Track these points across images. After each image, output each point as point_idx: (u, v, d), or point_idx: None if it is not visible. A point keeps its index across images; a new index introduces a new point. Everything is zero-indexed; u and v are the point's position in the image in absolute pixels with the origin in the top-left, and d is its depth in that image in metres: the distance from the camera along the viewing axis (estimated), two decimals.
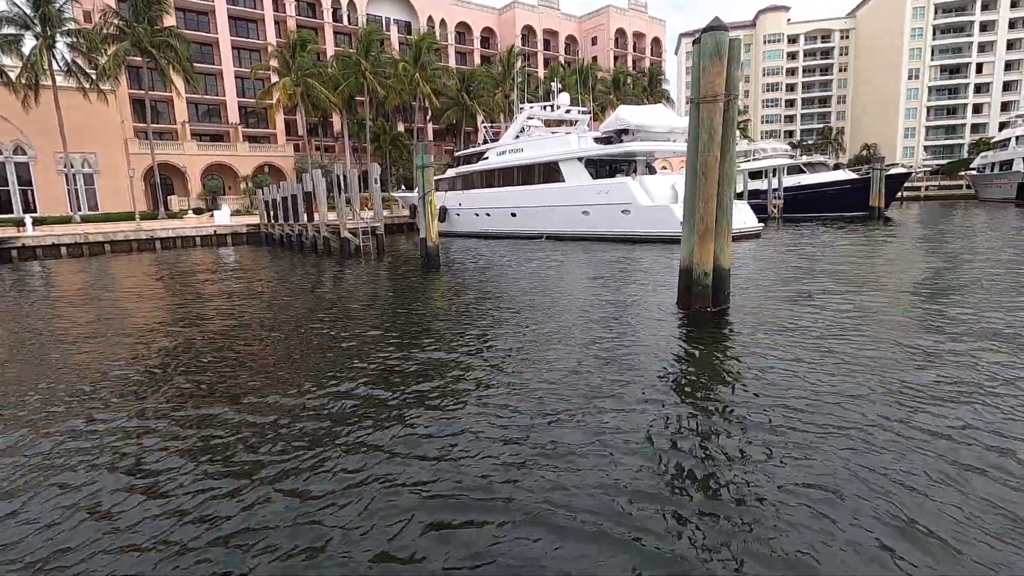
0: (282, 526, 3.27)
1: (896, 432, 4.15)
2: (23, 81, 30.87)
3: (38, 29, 30.84)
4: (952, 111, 78.80)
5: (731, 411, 4.72)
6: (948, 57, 77.56)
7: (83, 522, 3.44)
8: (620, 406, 4.84)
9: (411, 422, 4.72)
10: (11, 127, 35.37)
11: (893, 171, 33.63)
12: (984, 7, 75.18)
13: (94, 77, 33.30)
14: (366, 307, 10.77)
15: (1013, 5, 74.43)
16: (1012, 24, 75.01)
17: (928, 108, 78.86)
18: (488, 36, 71.03)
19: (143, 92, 38.85)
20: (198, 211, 40.04)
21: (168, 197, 42.15)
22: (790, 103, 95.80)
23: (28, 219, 29.43)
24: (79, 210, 35.60)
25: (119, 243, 29.57)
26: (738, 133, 48.47)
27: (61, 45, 32.16)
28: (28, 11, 30.36)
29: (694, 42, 7.62)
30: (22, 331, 9.60)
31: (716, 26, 7.35)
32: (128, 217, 34.74)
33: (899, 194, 44.52)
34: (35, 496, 3.76)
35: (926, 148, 78.74)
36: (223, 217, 34.32)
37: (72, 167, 35.63)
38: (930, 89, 78.48)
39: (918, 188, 61.63)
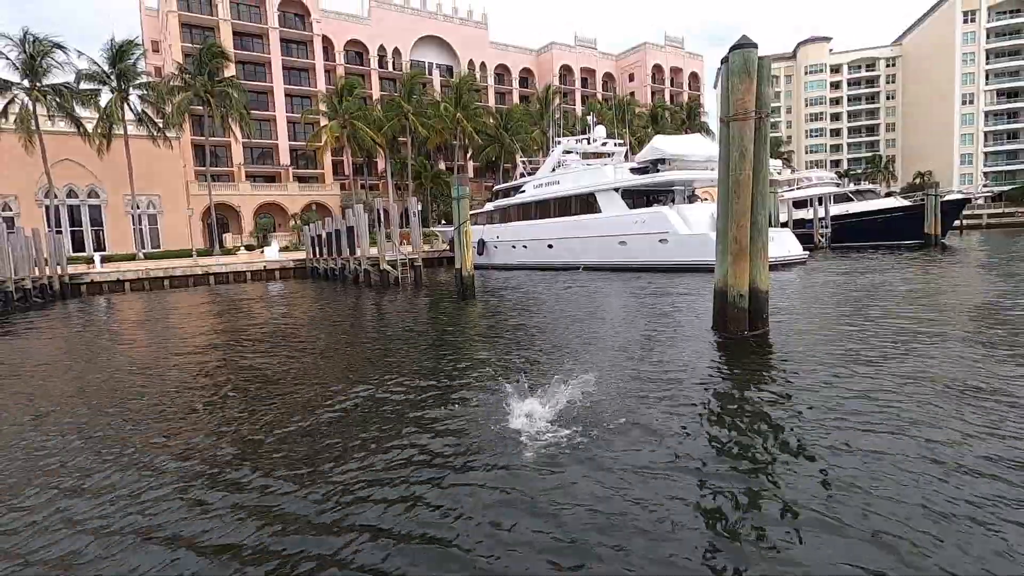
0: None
1: (946, 464, 3.81)
2: (99, 131, 33.68)
3: (114, 84, 33.74)
4: (1013, 135, 75.17)
5: (762, 438, 4.46)
6: (1005, 81, 74.57)
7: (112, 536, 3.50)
8: (646, 432, 4.65)
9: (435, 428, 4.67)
10: (86, 172, 38.42)
11: (949, 197, 32.04)
12: None
13: (161, 125, 36.01)
14: (398, 334, 10.89)
15: None
16: None
17: (985, 133, 75.54)
18: (527, 76, 73.16)
19: (203, 138, 41.63)
20: (250, 247, 42.00)
21: (223, 235, 44.48)
22: (835, 132, 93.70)
23: (97, 257, 31.58)
24: (143, 247, 37.98)
25: (177, 278, 31.22)
26: (780, 163, 47.81)
27: (133, 97, 35.06)
28: (106, 68, 33.28)
29: (722, 61, 7.60)
30: (83, 353, 10.15)
31: (744, 44, 7.32)
32: (186, 254, 36.76)
33: (958, 222, 42.31)
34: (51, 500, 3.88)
35: (986, 174, 75.04)
36: (272, 253, 35.88)
37: (138, 208, 38.24)
38: (986, 114, 75.33)
39: (979, 216, 58.46)
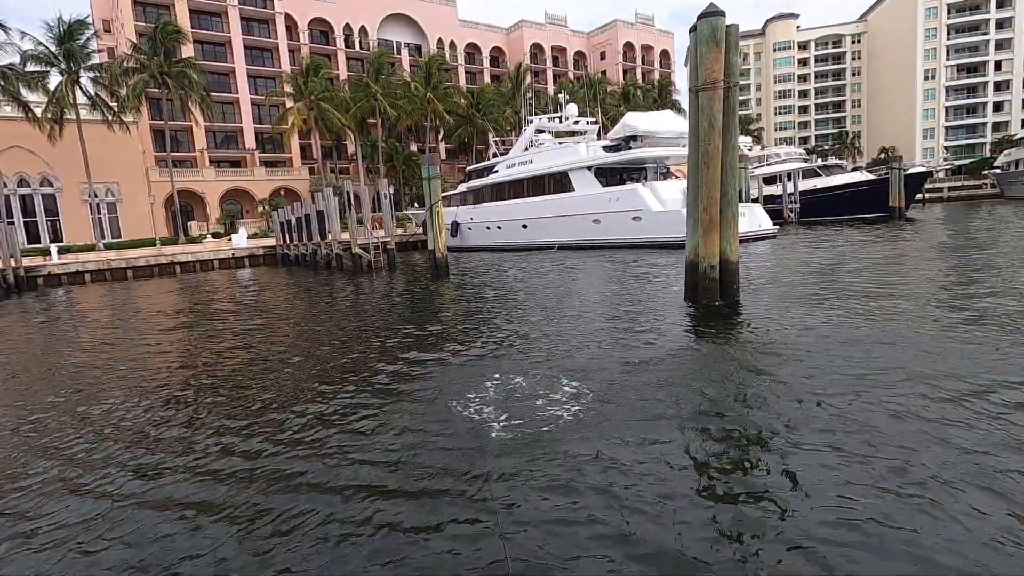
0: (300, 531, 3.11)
1: (913, 422, 3.87)
2: (48, 115, 32.03)
3: (63, 66, 32.02)
4: (972, 110, 77.22)
5: (736, 406, 4.48)
6: (965, 56, 76.30)
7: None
8: (621, 403, 4.63)
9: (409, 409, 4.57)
10: (38, 160, 36.63)
11: (912, 171, 32.85)
12: (999, 4, 74.03)
13: (116, 109, 34.41)
14: (372, 315, 10.70)
15: None
16: None
17: (947, 108, 77.44)
18: (497, 55, 72.01)
19: (163, 122, 40.01)
20: (216, 235, 40.79)
21: (188, 223, 43.06)
22: (803, 109, 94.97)
23: (54, 248, 30.28)
24: (103, 238, 36.53)
25: (140, 268, 30.22)
26: (750, 139, 48.27)
27: (85, 79, 33.34)
28: (53, 48, 31.53)
29: (691, 30, 7.50)
30: (35, 349, 9.72)
31: (711, 12, 7.22)
32: (149, 243, 35.52)
33: (921, 195, 43.48)
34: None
35: (947, 148, 77.14)
36: (241, 240, 34.93)
37: (96, 197, 36.68)
38: (947, 89, 77.13)
39: (940, 188, 60.20)
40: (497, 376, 5.27)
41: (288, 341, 8.49)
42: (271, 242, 35.47)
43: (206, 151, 49.38)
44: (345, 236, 23.88)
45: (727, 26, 7.33)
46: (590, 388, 4.81)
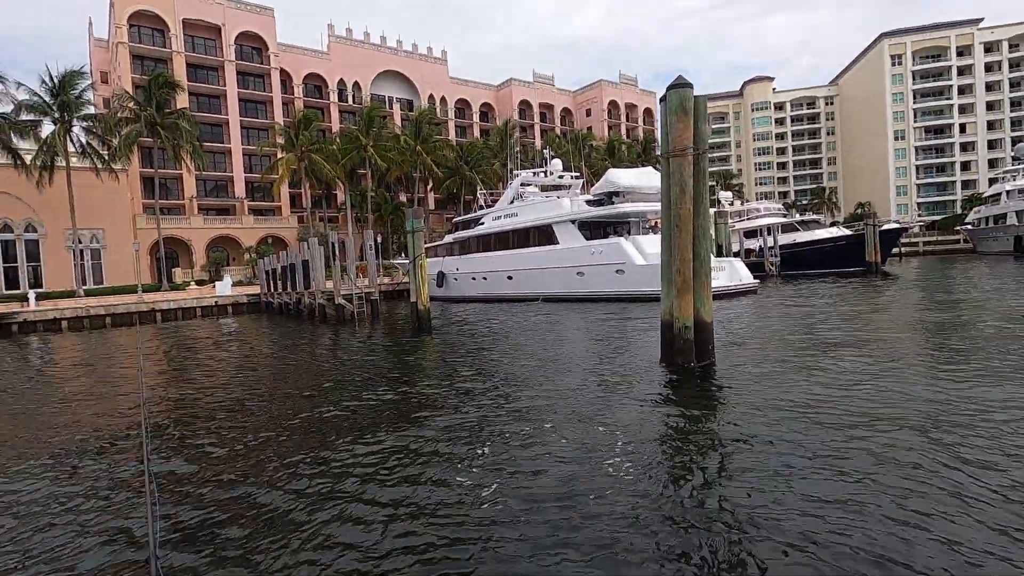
0: None
1: (885, 492, 3.82)
2: (38, 163, 32.21)
3: (56, 115, 32.49)
4: (941, 168, 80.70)
5: (704, 471, 4.40)
6: (931, 119, 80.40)
7: None
8: (592, 467, 4.53)
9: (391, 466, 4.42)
10: (23, 206, 36.52)
11: (887, 226, 33.93)
12: (960, 72, 78.69)
13: (107, 157, 34.73)
14: (348, 371, 10.52)
15: (987, 70, 77.97)
16: (989, 87, 78.22)
17: (917, 167, 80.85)
18: (487, 110, 74.51)
19: (153, 170, 40.38)
20: (201, 282, 40.50)
21: (172, 269, 42.79)
22: (782, 166, 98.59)
23: (32, 294, 29.79)
24: (85, 283, 36.09)
25: (120, 315, 29.69)
26: (731, 194, 49.66)
27: (77, 128, 33.78)
28: (47, 99, 32.06)
29: (661, 100, 7.83)
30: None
31: (680, 84, 7.57)
32: (131, 290, 35.10)
33: (897, 249, 44.73)
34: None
35: (919, 204, 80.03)
36: (224, 288, 34.65)
37: (80, 243, 36.49)
38: (917, 149, 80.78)
39: (916, 243, 62.06)
40: (448, 448, 5.14)
41: (253, 398, 8.28)
42: (255, 290, 35.23)
43: (195, 199, 49.70)
44: (330, 285, 23.82)
45: (695, 97, 7.67)
46: (546, 466, 4.70)
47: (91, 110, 35.01)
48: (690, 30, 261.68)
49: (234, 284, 37.67)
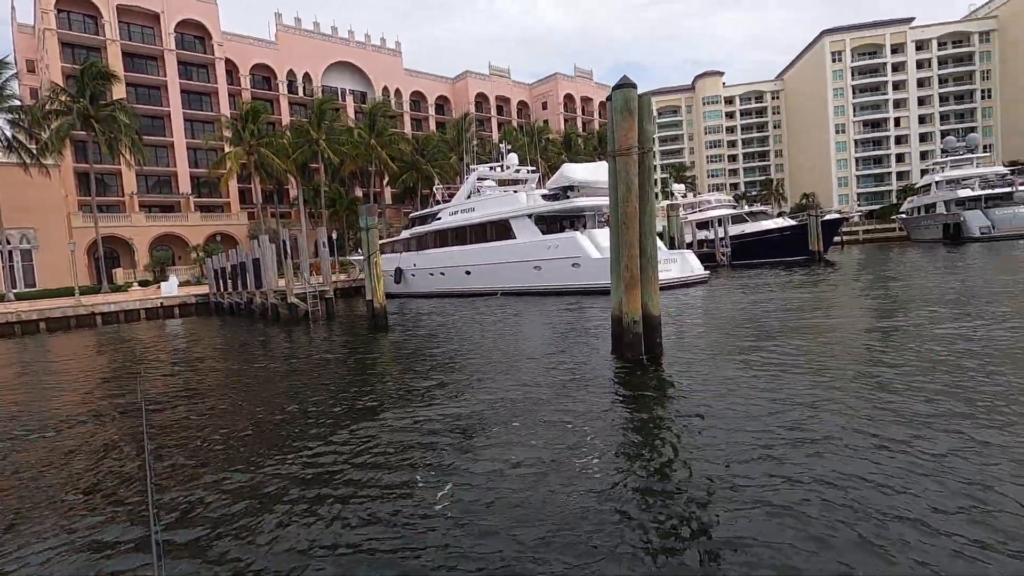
0: None
1: (819, 475, 4.07)
2: None
3: None
4: (878, 160, 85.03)
5: (650, 460, 4.57)
6: (868, 113, 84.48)
7: None
8: (546, 457, 4.63)
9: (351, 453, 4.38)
10: None
11: (828, 217, 35.55)
12: (894, 69, 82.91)
13: (35, 152, 32.64)
14: (302, 372, 10.32)
15: (919, 67, 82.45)
16: (920, 83, 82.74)
17: (856, 159, 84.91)
18: (443, 103, 73.76)
19: (88, 165, 38.24)
20: (144, 283, 38.69)
21: (113, 270, 40.73)
22: (732, 158, 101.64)
23: None
24: (15, 287, 33.95)
25: (55, 320, 28.07)
26: (683, 186, 50.90)
27: (1, 120, 31.61)
28: None
29: (607, 99, 7.97)
30: None
31: (625, 84, 7.73)
32: (67, 292, 33.23)
33: (839, 238, 46.95)
34: None
35: (859, 195, 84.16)
36: (170, 288, 33.24)
37: (9, 243, 34.25)
38: (856, 142, 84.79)
39: (856, 232, 65.27)
40: (408, 443, 5.17)
41: (198, 406, 8.03)
42: (204, 290, 33.94)
43: (136, 195, 47.37)
44: (282, 284, 23.20)
45: (639, 96, 7.84)
46: (507, 446, 4.79)
47: (16, 102, 32.76)
48: (647, 23, 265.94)
49: (181, 284, 36.19)
